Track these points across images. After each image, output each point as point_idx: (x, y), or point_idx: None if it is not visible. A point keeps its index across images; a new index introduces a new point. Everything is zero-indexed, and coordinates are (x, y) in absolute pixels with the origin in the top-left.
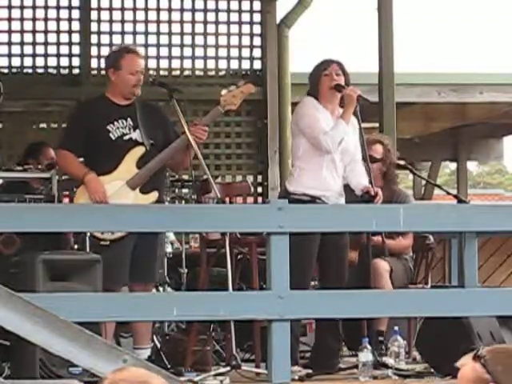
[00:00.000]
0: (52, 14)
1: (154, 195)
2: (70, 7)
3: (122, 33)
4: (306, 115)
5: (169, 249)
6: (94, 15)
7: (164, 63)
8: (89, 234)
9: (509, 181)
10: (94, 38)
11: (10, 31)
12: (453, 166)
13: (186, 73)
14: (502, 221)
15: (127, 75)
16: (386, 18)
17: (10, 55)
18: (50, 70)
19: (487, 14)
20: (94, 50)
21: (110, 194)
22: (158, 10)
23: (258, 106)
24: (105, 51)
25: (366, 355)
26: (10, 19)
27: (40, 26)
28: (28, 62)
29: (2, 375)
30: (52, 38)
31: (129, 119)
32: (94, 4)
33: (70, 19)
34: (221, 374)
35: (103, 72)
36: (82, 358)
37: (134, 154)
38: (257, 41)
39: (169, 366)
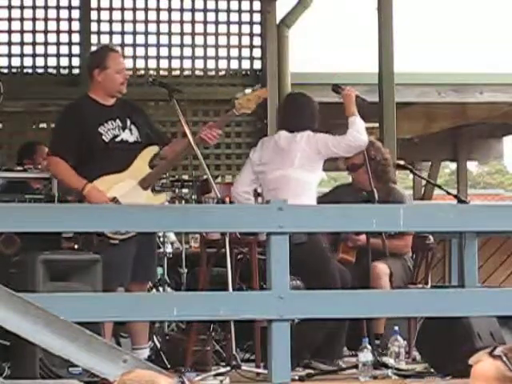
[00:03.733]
0: (52, 14)
1: (164, 196)
2: (69, 7)
3: (122, 33)
4: (328, 137)
5: (169, 249)
6: (94, 15)
7: (164, 63)
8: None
9: (509, 181)
10: (93, 38)
11: (10, 31)
12: (453, 166)
13: (186, 73)
14: (502, 221)
15: (114, 74)
16: (386, 17)
17: (9, 55)
18: (50, 70)
19: (487, 14)
20: None
21: (122, 193)
22: (158, 10)
23: (258, 106)
24: None
25: (365, 355)
26: (10, 19)
27: (40, 25)
28: (28, 62)
29: (2, 375)
30: (52, 38)
31: (117, 120)
32: (93, 4)
33: (70, 19)
34: (221, 374)
35: None
36: (81, 358)
37: (147, 154)
38: (257, 41)
39: (169, 366)
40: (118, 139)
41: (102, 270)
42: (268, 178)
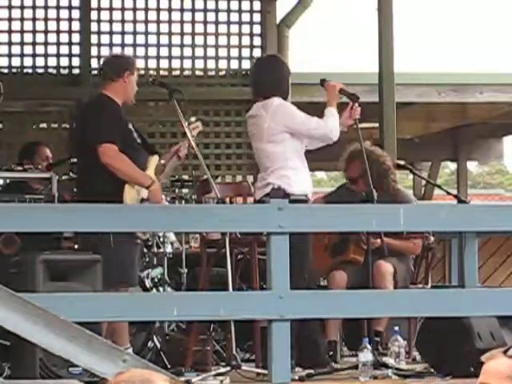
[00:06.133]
0: (52, 14)
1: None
2: (69, 7)
3: (122, 33)
4: (296, 113)
5: (169, 249)
6: (94, 15)
7: (164, 63)
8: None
9: (509, 181)
10: (94, 38)
11: (10, 31)
12: (453, 166)
13: (186, 73)
14: (502, 221)
15: (135, 81)
16: (386, 18)
17: (10, 55)
18: (50, 70)
19: (487, 14)
20: (94, 50)
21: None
22: (158, 10)
23: None
24: (105, 51)
25: (365, 355)
26: (10, 19)
27: (40, 25)
28: (28, 62)
29: (2, 375)
30: (52, 38)
31: (130, 122)
32: (93, 4)
33: (70, 19)
34: (221, 374)
35: None
36: (82, 358)
37: (153, 162)
38: (257, 41)
39: (169, 366)
40: (139, 141)
41: (125, 269)
42: (254, 152)
